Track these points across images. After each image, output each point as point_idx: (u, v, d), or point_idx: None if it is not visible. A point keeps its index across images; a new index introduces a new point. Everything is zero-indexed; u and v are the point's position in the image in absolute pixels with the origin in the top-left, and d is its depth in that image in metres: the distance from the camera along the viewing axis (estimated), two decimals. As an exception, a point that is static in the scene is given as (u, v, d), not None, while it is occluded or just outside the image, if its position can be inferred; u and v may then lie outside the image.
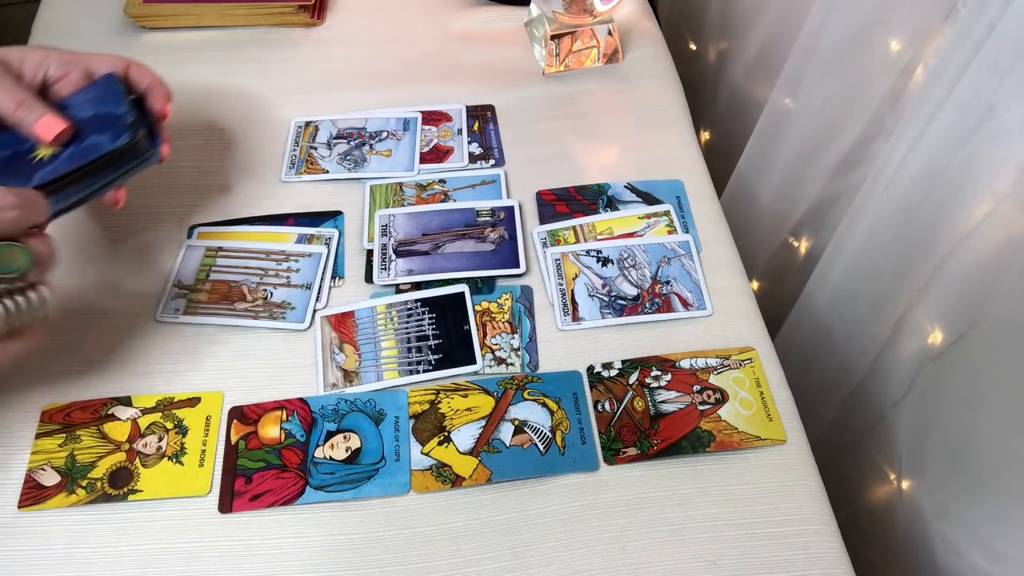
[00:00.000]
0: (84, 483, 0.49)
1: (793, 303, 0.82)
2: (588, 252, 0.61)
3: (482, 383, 0.54)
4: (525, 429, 0.52)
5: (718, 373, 0.55)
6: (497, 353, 0.56)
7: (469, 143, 0.69)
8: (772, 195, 0.88)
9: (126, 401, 0.53)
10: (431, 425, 0.52)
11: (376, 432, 0.52)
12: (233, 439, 0.51)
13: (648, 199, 0.65)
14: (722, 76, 1.05)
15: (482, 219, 0.63)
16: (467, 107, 0.72)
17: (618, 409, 0.53)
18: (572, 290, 0.59)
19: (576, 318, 0.58)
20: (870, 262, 0.69)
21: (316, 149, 0.68)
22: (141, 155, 0.52)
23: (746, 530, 0.49)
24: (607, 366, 0.55)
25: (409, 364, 0.55)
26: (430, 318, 0.57)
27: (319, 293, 0.58)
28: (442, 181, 0.66)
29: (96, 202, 0.52)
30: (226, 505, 0.49)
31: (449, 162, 0.67)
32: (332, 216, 0.63)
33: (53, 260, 0.44)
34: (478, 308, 0.58)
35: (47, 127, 0.49)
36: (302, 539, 0.48)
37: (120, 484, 0.49)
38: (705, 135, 1.13)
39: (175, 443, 0.51)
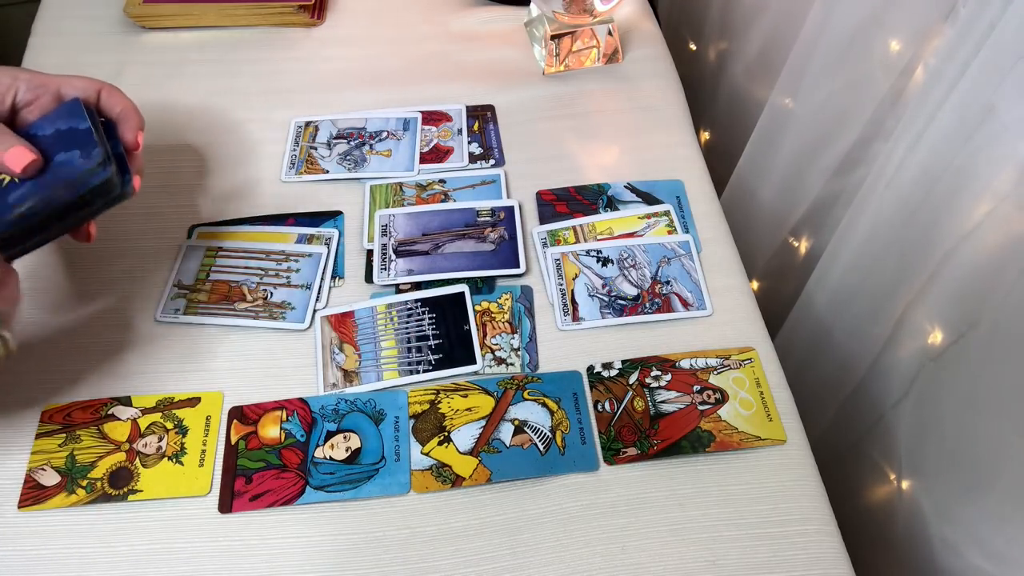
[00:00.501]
0: (84, 483, 0.49)
1: (793, 303, 0.82)
2: (588, 252, 0.61)
3: (482, 383, 0.54)
4: (525, 429, 0.52)
5: (718, 373, 0.55)
6: (497, 353, 0.56)
7: (469, 143, 0.69)
8: (772, 195, 0.88)
9: (126, 401, 0.53)
10: (431, 425, 0.52)
11: (376, 432, 0.52)
12: (233, 439, 0.51)
13: (648, 199, 0.65)
14: (722, 76, 1.05)
15: (482, 219, 0.63)
16: (467, 107, 0.72)
17: (618, 409, 0.53)
18: (572, 290, 0.59)
19: (576, 318, 0.58)
20: (870, 262, 0.69)
21: (316, 149, 0.68)
22: (111, 192, 0.49)
23: (746, 530, 0.49)
24: (607, 366, 0.55)
25: (409, 364, 0.55)
26: (430, 318, 0.57)
27: (319, 293, 0.58)
28: (442, 181, 0.66)
29: (67, 237, 0.50)
30: (226, 505, 0.49)
31: (449, 162, 0.67)
32: (332, 216, 0.63)
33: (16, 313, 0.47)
34: (478, 308, 0.58)
35: (15, 158, 0.46)
36: (302, 539, 0.48)
37: (120, 484, 0.49)
38: (705, 135, 1.13)
39: (175, 443, 0.51)
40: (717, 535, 0.48)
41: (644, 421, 0.53)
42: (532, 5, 0.79)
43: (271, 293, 0.58)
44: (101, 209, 0.49)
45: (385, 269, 0.59)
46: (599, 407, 0.53)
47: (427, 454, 0.51)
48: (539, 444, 0.52)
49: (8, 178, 0.47)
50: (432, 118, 0.71)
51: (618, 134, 0.71)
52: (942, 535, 0.60)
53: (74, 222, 0.49)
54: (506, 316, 0.58)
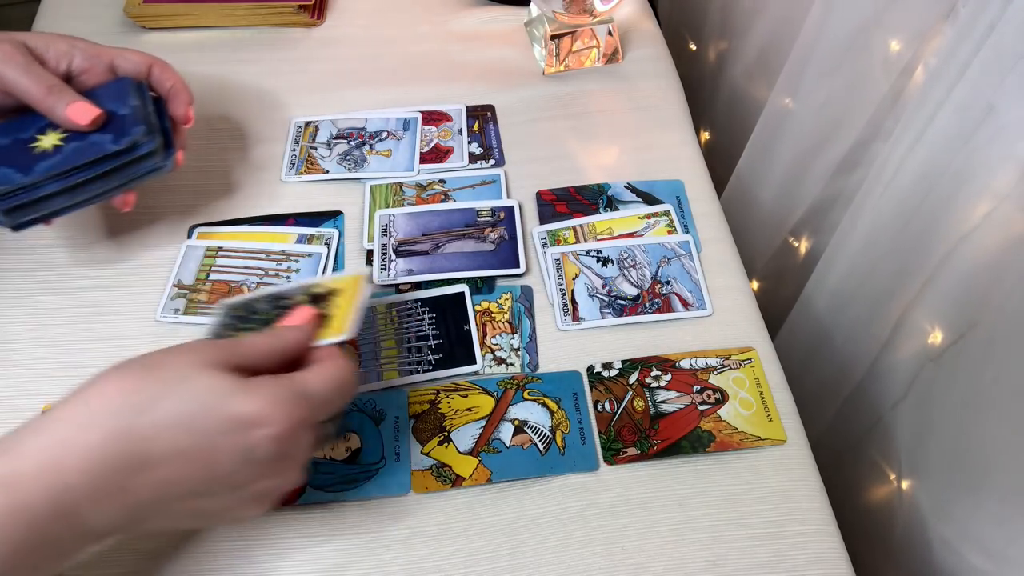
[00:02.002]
0: (84, 483, 0.49)
1: (793, 303, 0.83)
2: (588, 252, 0.61)
3: (482, 383, 0.54)
4: (525, 429, 0.52)
5: (718, 373, 0.55)
6: (497, 353, 0.56)
7: (469, 143, 0.69)
8: (772, 195, 0.88)
9: (126, 401, 0.53)
10: (431, 425, 0.52)
11: (376, 432, 0.52)
12: (233, 439, 0.51)
13: (648, 199, 0.65)
14: (722, 76, 1.05)
15: (482, 219, 0.63)
16: (467, 107, 0.72)
17: (618, 409, 0.53)
18: (572, 290, 0.59)
19: (576, 318, 0.58)
20: (870, 262, 0.69)
21: (316, 149, 0.68)
22: (154, 162, 0.52)
23: (746, 530, 0.49)
24: (607, 366, 0.55)
25: (409, 364, 0.55)
26: (430, 318, 0.57)
27: (319, 293, 0.58)
28: (442, 181, 0.66)
29: (104, 204, 0.53)
30: (226, 505, 0.49)
31: (449, 162, 0.67)
32: (332, 216, 0.63)
33: None
34: (478, 308, 0.58)
35: (80, 112, 0.49)
36: (302, 539, 0.48)
37: (120, 484, 0.49)
38: (705, 135, 1.13)
39: (175, 443, 0.51)
40: (717, 535, 0.48)
41: (644, 421, 0.53)
42: (532, 5, 0.79)
43: (271, 293, 0.58)
44: (140, 178, 0.52)
45: (385, 269, 0.59)
46: (599, 407, 0.53)
47: (427, 454, 0.51)
48: (539, 444, 0.52)
49: (44, 146, 0.50)
50: (432, 118, 0.71)
51: (618, 134, 0.71)
52: (941, 535, 0.60)
53: (112, 188, 0.52)
54: (506, 316, 0.58)
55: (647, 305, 0.58)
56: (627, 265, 0.60)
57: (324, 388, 0.40)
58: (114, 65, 0.54)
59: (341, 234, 0.62)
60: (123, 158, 0.50)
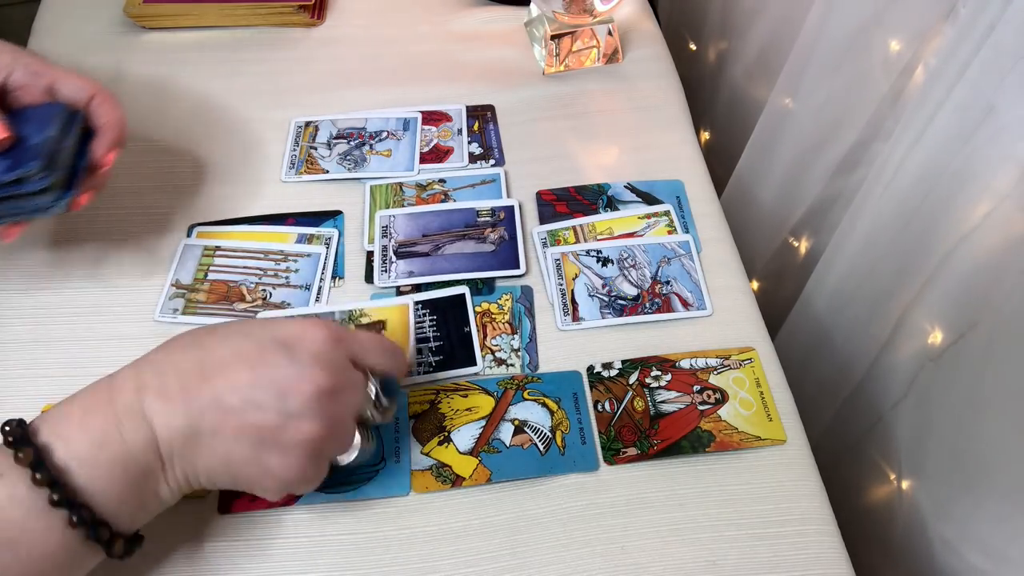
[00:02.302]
0: (84, 483, 0.49)
1: (793, 303, 0.82)
2: (588, 252, 0.61)
3: (482, 383, 0.54)
4: (525, 429, 0.52)
5: (718, 373, 0.55)
6: (497, 354, 0.56)
7: (469, 143, 0.69)
8: (772, 195, 0.88)
9: (126, 401, 0.53)
10: (431, 425, 0.52)
11: (376, 432, 0.52)
12: (233, 439, 0.51)
13: (648, 199, 0.65)
14: (722, 76, 1.05)
15: (482, 219, 0.63)
16: (467, 107, 0.72)
17: (618, 409, 0.53)
18: (572, 290, 0.59)
19: (576, 318, 0.58)
20: (870, 262, 0.69)
21: (316, 149, 0.68)
22: (42, 200, 0.48)
23: (746, 530, 0.49)
24: (607, 366, 0.55)
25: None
26: (431, 320, 0.57)
27: (319, 294, 0.58)
28: (442, 181, 0.66)
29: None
30: (226, 505, 0.49)
31: (449, 162, 0.67)
32: (332, 216, 0.63)
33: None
34: (478, 309, 0.58)
35: None
36: (302, 539, 0.48)
37: (120, 484, 0.49)
38: (705, 135, 1.13)
39: (175, 443, 0.51)
40: (717, 535, 0.48)
41: (644, 421, 0.53)
42: (532, 5, 0.79)
43: (270, 293, 0.58)
44: (27, 214, 0.49)
45: (385, 271, 0.59)
46: (599, 407, 0.53)
47: (427, 454, 0.51)
48: (539, 444, 0.52)
49: None
50: (432, 118, 0.71)
51: (618, 134, 0.71)
52: (942, 535, 0.60)
53: None
54: (506, 317, 0.58)
55: (647, 305, 0.58)
56: (627, 265, 0.60)
57: (365, 335, 0.45)
58: (53, 88, 0.50)
59: (341, 234, 0.62)
60: (7, 191, 0.47)
